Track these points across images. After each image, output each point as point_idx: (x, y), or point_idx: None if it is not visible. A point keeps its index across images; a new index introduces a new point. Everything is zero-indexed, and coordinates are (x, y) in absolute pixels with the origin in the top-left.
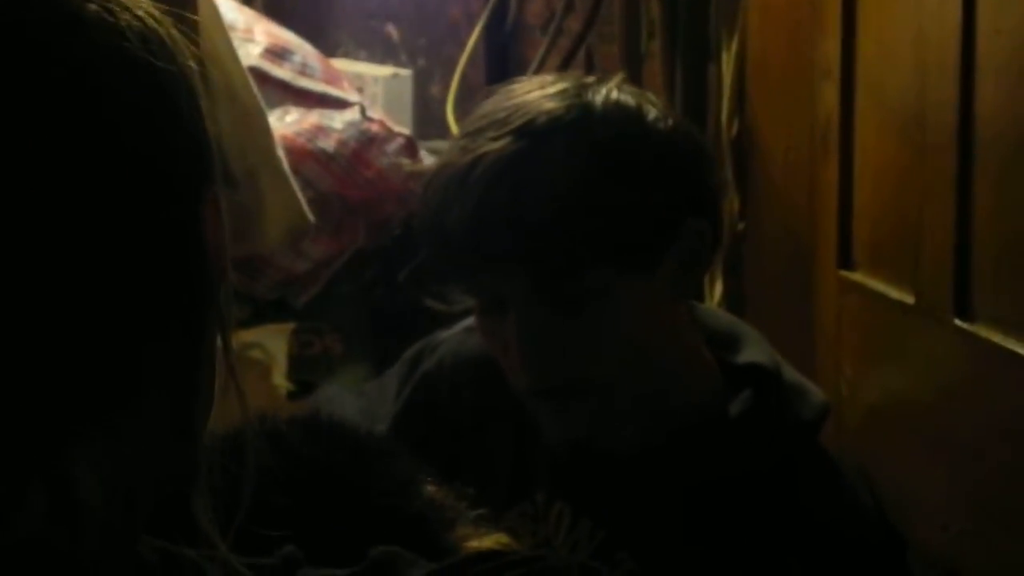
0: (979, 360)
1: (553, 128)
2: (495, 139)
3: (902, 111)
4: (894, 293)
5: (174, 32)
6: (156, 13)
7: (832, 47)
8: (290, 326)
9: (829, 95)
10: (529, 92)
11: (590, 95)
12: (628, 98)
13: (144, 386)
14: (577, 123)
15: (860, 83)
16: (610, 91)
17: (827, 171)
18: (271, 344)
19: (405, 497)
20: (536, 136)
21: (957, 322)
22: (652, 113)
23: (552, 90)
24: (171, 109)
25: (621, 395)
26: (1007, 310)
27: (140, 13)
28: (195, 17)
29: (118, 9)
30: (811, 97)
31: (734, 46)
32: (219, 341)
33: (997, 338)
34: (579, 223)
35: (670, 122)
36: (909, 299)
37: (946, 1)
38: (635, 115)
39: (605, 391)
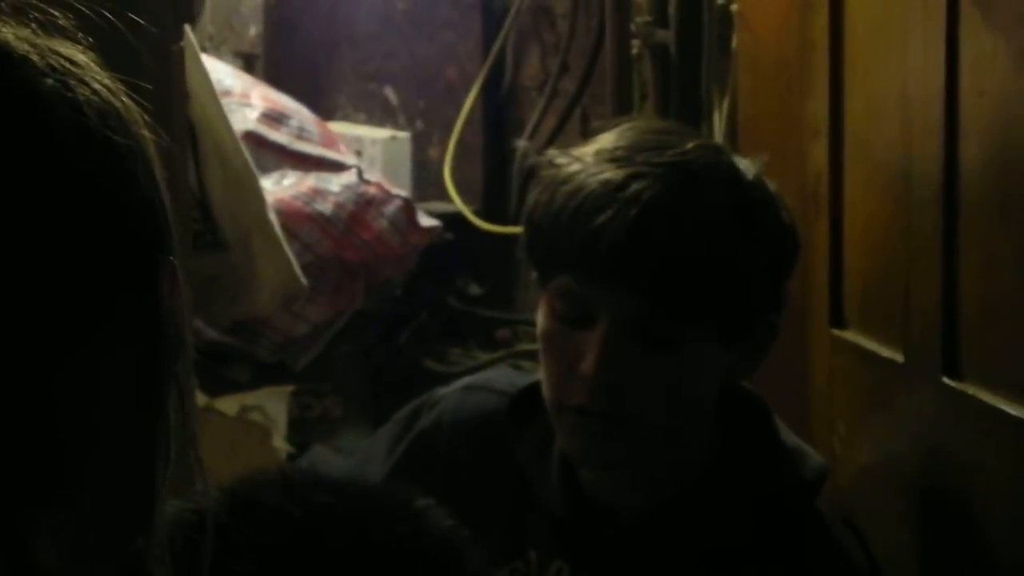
0: (967, 419)
1: (709, 176)
2: (652, 165)
3: (889, 169)
4: (884, 351)
5: (130, 103)
6: (112, 85)
7: (821, 106)
8: (290, 388)
9: (819, 154)
10: (664, 131)
11: (734, 158)
12: (766, 179)
13: (102, 456)
14: (731, 181)
15: (849, 141)
16: (753, 164)
17: (818, 229)
18: (271, 407)
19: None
20: (694, 177)
21: (945, 380)
22: (782, 201)
23: (696, 140)
24: (127, 181)
25: (657, 442)
26: (994, 368)
27: (97, 87)
28: (185, 84)
29: (75, 83)
30: (801, 155)
31: (725, 106)
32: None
33: (985, 396)
34: (714, 276)
35: (789, 217)
36: (899, 357)
37: (930, 62)
38: (773, 197)
39: (648, 434)
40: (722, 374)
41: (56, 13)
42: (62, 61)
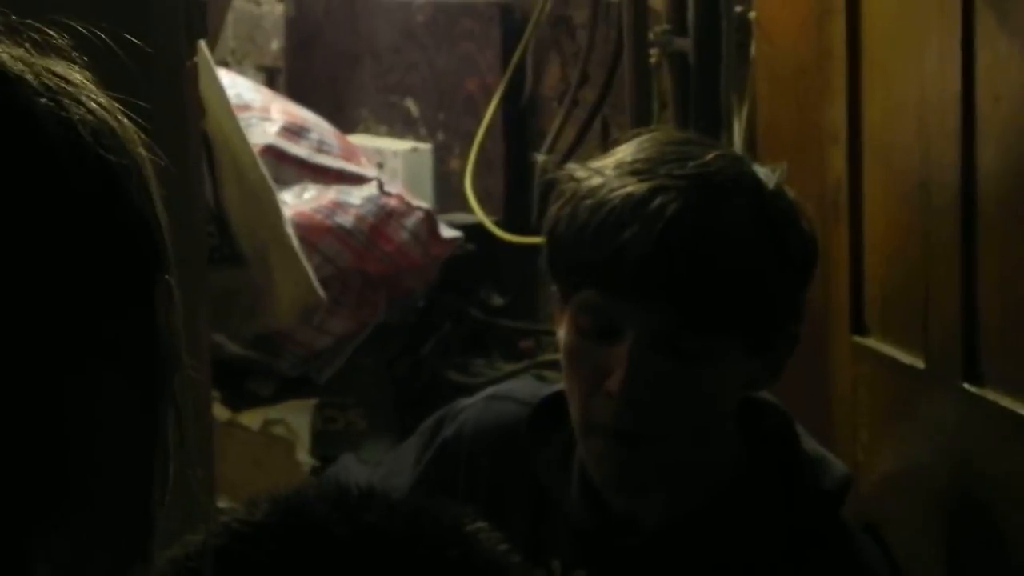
0: (988, 424)
1: (732, 187)
2: (674, 178)
3: (907, 175)
4: (905, 358)
5: (126, 122)
6: (108, 104)
7: (839, 113)
8: (313, 402)
9: (838, 160)
10: (684, 142)
11: (754, 167)
12: (788, 191)
13: (98, 478)
14: (754, 192)
15: (867, 148)
16: (774, 173)
17: (838, 236)
18: (294, 420)
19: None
20: (717, 188)
21: (966, 386)
22: (803, 210)
23: (717, 151)
24: (120, 200)
25: (684, 457)
26: (1015, 373)
27: (92, 106)
28: (199, 100)
29: (69, 102)
30: (820, 163)
31: (744, 114)
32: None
33: (1006, 402)
34: (740, 288)
35: (809, 226)
36: (919, 364)
37: (946, 68)
38: (795, 206)
39: (675, 450)
40: (745, 385)
41: (52, 33)
42: (57, 80)
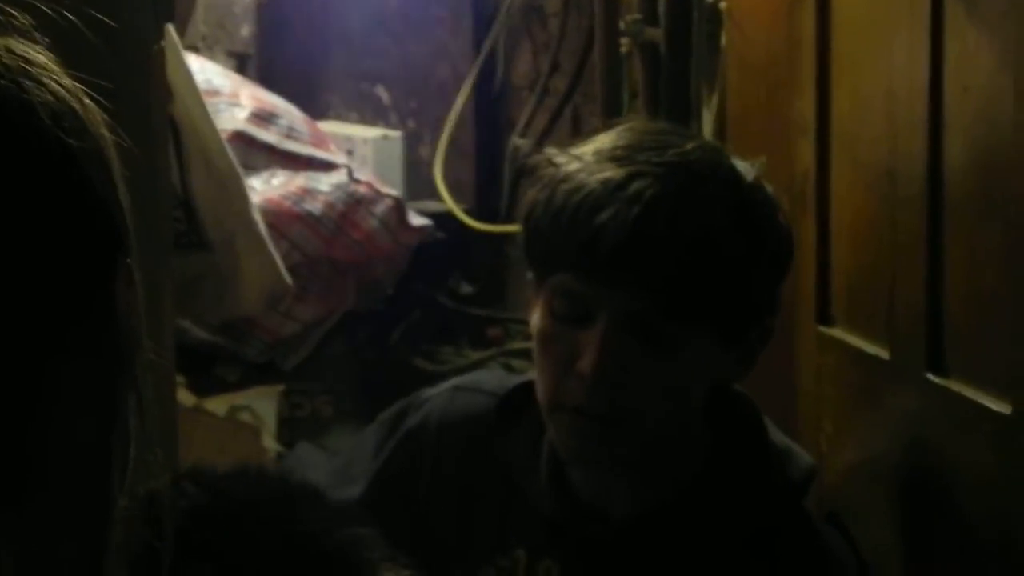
0: (952, 415)
1: (710, 176)
2: (653, 164)
3: (875, 166)
4: (870, 348)
5: (90, 104)
6: (71, 85)
7: (808, 104)
8: (280, 388)
9: (806, 151)
10: (664, 132)
11: (733, 160)
12: (766, 185)
13: (57, 462)
14: (732, 182)
15: (835, 139)
16: (752, 166)
17: (805, 226)
18: (261, 406)
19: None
20: (695, 177)
21: (930, 377)
22: (779, 205)
23: (696, 141)
24: (80, 183)
25: (653, 443)
26: (978, 364)
27: (55, 87)
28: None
29: (30, 84)
30: (789, 153)
31: (714, 104)
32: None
33: (969, 392)
34: (714, 276)
35: (785, 220)
36: (884, 354)
37: (915, 59)
38: (772, 199)
39: (646, 434)
40: (717, 376)
41: (14, 12)
42: (18, 61)
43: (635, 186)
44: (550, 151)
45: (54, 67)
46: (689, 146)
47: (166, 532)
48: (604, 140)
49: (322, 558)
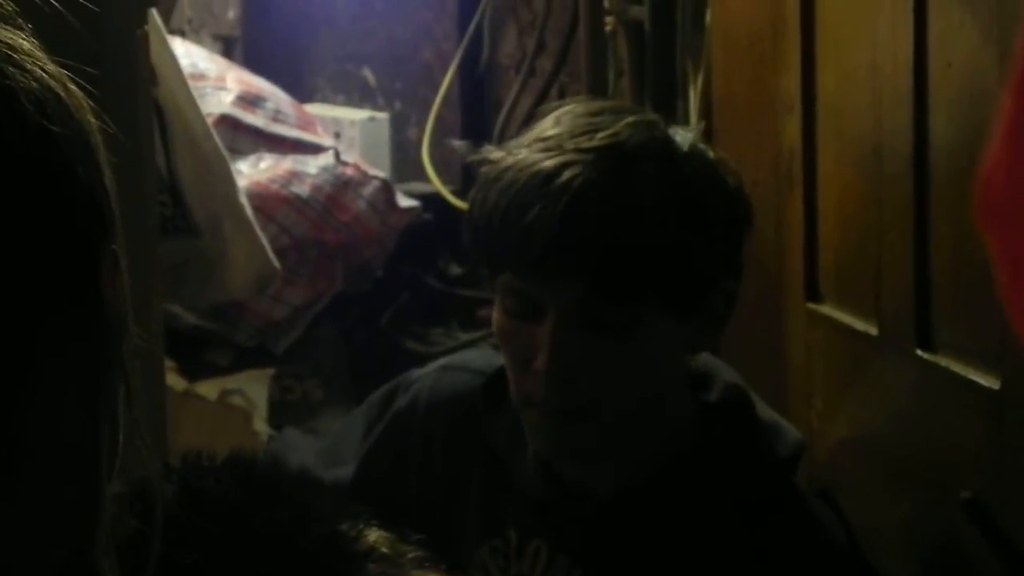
0: (941, 390)
1: (640, 154)
2: (582, 151)
3: (860, 142)
4: (859, 325)
5: (75, 90)
6: (55, 71)
7: (793, 81)
8: (270, 371)
9: (792, 128)
10: (598, 114)
11: (671, 132)
12: (705, 147)
13: (44, 448)
14: (664, 157)
15: (821, 116)
16: (689, 134)
17: (792, 204)
18: (251, 390)
19: (300, 531)
20: (626, 159)
21: (919, 352)
22: (724, 168)
23: (630, 119)
24: (64, 170)
25: (625, 427)
26: (967, 339)
27: (38, 73)
28: (150, 68)
29: (13, 70)
30: (775, 130)
31: (700, 82)
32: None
33: (958, 368)
34: (652, 255)
35: (734, 182)
36: (873, 330)
37: (898, 35)
38: (712, 165)
39: (614, 420)
40: (683, 348)
41: None
42: (1, 47)
43: (563, 177)
44: (487, 148)
45: (38, 53)
46: (620, 125)
47: (156, 519)
48: (542, 127)
49: (314, 545)
